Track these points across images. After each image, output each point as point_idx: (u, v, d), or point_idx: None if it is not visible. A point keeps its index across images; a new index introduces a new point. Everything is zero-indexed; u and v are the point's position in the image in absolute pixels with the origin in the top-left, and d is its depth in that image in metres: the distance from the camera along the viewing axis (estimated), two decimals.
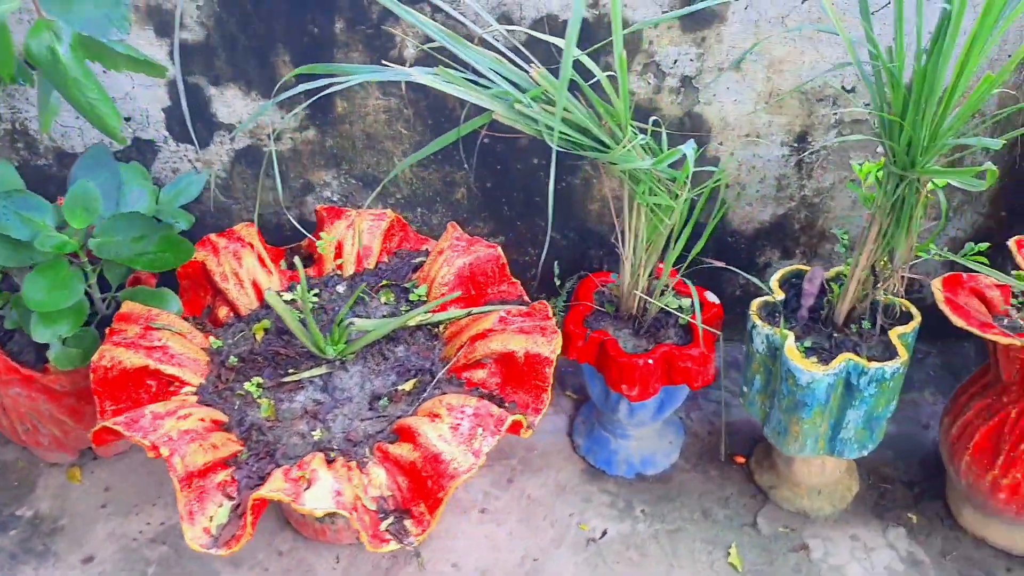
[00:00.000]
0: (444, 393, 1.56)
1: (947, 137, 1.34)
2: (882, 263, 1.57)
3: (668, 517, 1.86)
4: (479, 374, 1.59)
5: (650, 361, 1.69)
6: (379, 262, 1.83)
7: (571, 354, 1.78)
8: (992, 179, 1.32)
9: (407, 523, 1.40)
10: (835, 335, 1.66)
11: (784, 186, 1.98)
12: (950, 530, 1.82)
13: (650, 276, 1.75)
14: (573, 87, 1.38)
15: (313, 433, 1.49)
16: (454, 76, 1.32)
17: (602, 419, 1.98)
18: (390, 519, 1.39)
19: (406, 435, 1.44)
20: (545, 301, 1.68)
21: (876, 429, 1.67)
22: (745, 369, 1.77)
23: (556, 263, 2.06)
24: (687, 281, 1.75)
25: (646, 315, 1.78)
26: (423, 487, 1.40)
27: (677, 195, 1.55)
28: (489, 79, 1.40)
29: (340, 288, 1.77)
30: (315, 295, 1.75)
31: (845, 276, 1.64)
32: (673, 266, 1.85)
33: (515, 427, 1.48)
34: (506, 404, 1.57)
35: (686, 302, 1.83)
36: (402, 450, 1.43)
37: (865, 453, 1.71)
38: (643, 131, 1.51)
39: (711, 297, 1.83)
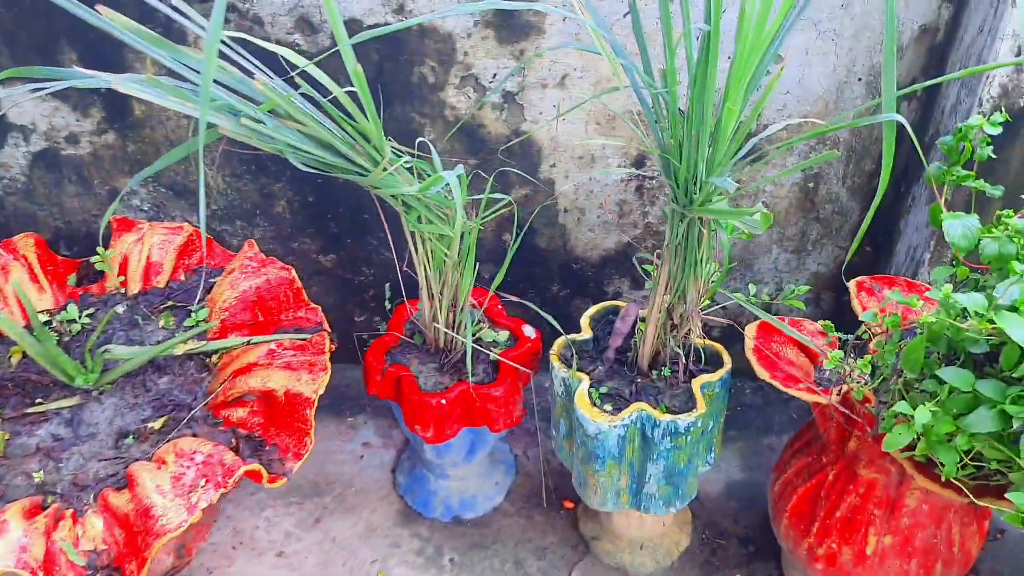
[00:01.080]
0: (195, 433, 1.42)
1: (717, 173, 1.19)
2: (678, 307, 1.42)
3: (477, 567, 1.72)
4: (239, 413, 1.46)
5: (443, 401, 1.55)
6: (172, 280, 1.70)
7: (370, 389, 1.65)
8: (767, 223, 1.17)
9: None
10: (638, 380, 1.51)
11: (626, 212, 1.84)
12: None
13: (455, 306, 1.61)
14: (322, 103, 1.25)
15: (35, 475, 1.36)
16: (165, 86, 1.18)
17: (422, 457, 1.84)
18: None
19: (131, 482, 1.31)
20: (324, 333, 1.54)
21: (681, 485, 1.52)
22: (552, 410, 1.62)
23: (388, 285, 1.93)
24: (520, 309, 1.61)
25: (455, 349, 1.64)
26: (135, 542, 1.27)
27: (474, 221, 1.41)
28: (229, 88, 1.27)
29: (120, 308, 1.64)
30: (89, 315, 1.62)
31: None
32: (496, 293, 1.71)
33: (254, 476, 1.34)
34: (266, 447, 1.44)
35: (501, 336, 1.69)
36: (121, 499, 1.30)
37: (673, 510, 1.56)
38: (412, 154, 1.37)
39: (528, 331, 1.69)
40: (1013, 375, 1.03)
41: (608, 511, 1.59)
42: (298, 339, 1.53)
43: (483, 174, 1.76)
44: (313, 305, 1.65)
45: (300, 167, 1.28)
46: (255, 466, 1.32)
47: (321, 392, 1.42)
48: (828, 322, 1.43)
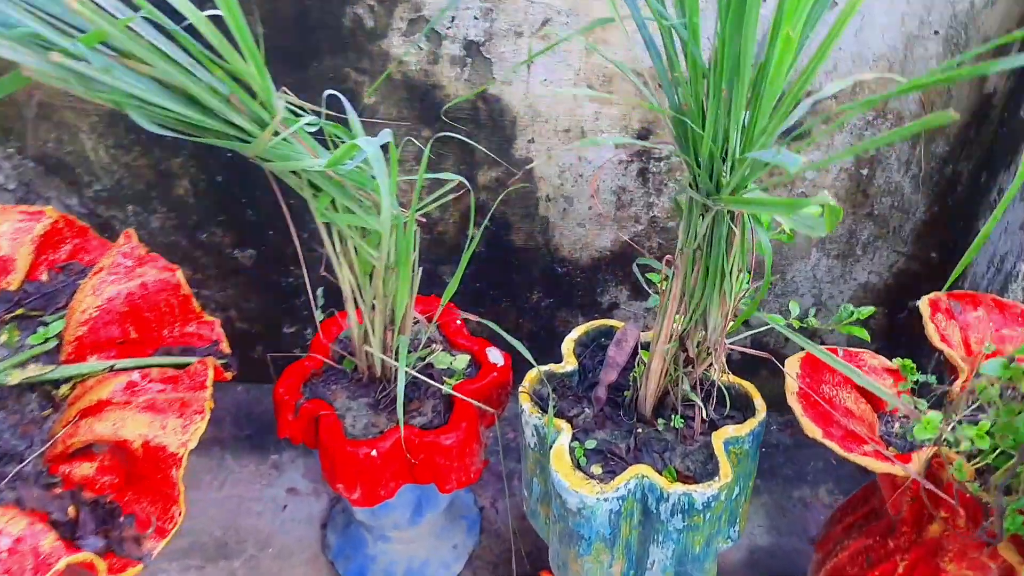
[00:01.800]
0: (18, 498, 1.02)
1: (759, 145, 0.79)
2: (697, 332, 1.02)
3: None
4: (83, 469, 1.05)
5: (373, 453, 1.15)
6: (30, 280, 1.29)
7: (281, 430, 1.24)
8: (834, 220, 0.76)
9: None
10: (638, 431, 1.11)
11: (626, 203, 1.43)
12: None
13: (395, 323, 1.20)
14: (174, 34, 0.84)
15: None
16: None
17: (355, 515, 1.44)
18: None
19: None
20: (208, 360, 1.13)
21: (698, 574, 1.12)
22: (523, 464, 1.22)
23: (321, 291, 1.52)
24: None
25: (395, 379, 1.24)
26: None
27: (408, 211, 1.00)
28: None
29: None
30: None
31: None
32: (453, 305, 1.32)
33: (88, 567, 0.94)
34: (120, 519, 1.03)
35: (460, 363, 1.29)
36: None
37: None
38: (319, 112, 0.97)
39: (494, 356, 1.29)
40: None
41: None
42: (171, 364, 1.12)
43: (445, 153, 1.36)
44: (208, 318, 1.24)
45: (152, 128, 0.88)
46: (85, 556, 0.92)
47: (192, 446, 1.02)
48: (907, 361, 1.02)
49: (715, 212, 0.87)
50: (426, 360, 1.26)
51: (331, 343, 1.32)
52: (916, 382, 1.08)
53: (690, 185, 0.87)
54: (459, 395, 1.19)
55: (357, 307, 1.16)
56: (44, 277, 1.31)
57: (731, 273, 0.91)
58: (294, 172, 0.97)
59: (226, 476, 1.57)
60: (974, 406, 1.04)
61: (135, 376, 1.08)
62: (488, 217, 1.44)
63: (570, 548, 1.09)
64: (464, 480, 1.21)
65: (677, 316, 1.00)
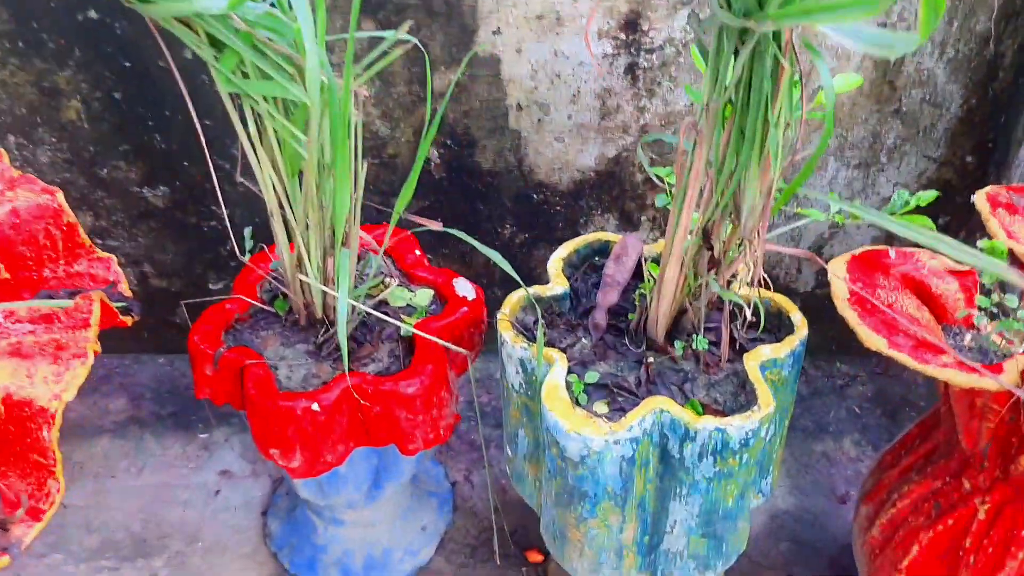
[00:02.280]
0: None
1: None
2: (723, 224, 0.79)
3: None
4: None
5: (314, 406, 0.90)
6: None
7: (199, 388, 1.00)
8: (936, 13, 0.54)
9: None
10: (649, 359, 0.88)
11: (612, 109, 1.21)
12: None
13: (331, 251, 0.96)
14: None
15: None
16: None
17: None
18: None
19: None
20: (90, 293, 0.88)
21: (728, 535, 0.90)
22: (504, 413, 0.99)
23: (250, 231, 1.27)
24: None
25: (337, 322, 1.00)
26: None
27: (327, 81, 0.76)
28: None
29: None
30: None
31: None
32: (410, 235, 1.08)
33: None
34: None
35: (422, 298, 1.05)
36: None
37: (712, 575, 0.94)
38: None
39: (462, 287, 1.05)
40: None
41: None
42: (49, 307, 0.87)
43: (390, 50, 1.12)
44: (101, 254, 0.99)
45: None
46: None
47: (69, 397, 0.77)
48: (995, 242, 0.81)
49: (756, 40, 0.64)
50: (378, 298, 1.02)
51: (258, 283, 1.07)
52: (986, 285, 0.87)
53: (720, 5, 0.65)
54: (422, 334, 0.95)
55: (287, 227, 0.92)
56: None
57: (777, 125, 0.69)
58: (184, 22, 0.72)
59: (146, 461, 1.31)
60: None
61: None
62: (447, 129, 1.20)
63: (569, 512, 0.86)
64: (432, 438, 0.97)
65: (699, 204, 0.77)
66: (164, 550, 1.20)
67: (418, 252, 1.10)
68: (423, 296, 1.05)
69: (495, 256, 0.87)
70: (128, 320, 0.95)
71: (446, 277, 1.07)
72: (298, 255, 0.94)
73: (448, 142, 1.24)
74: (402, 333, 1.01)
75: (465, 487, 1.29)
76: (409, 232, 1.13)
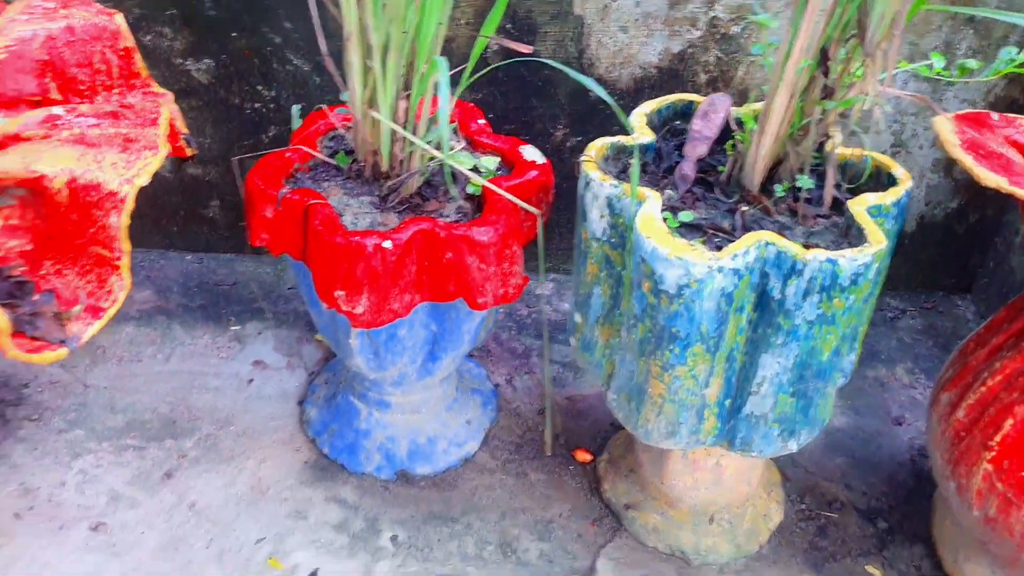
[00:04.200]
0: None
1: None
2: (838, 46, 0.75)
3: (438, 551, 1.02)
4: None
5: (386, 244, 0.85)
6: None
7: (254, 235, 0.94)
8: None
9: None
10: (743, 208, 0.84)
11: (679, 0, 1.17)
12: None
13: (405, 93, 0.91)
14: None
15: None
16: None
17: (350, 377, 1.14)
18: None
19: None
20: (158, 99, 0.83)
21: (817, 400, 0.85)
22: (576, 276, 0.94)
23: (298, 108, 1.22)
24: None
25: (407, 167, 0.95)
26: None
27: None
28: None
29: None
30: None
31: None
32: (472, 105, 1.04)
33: None
34: (33, 296, 0.72)
35: (488, 162, 1.01)
36: None
37: (793, 447, 0.89)
38: None
39: (530, 153, 1.01)
40: None
41: (670, 449, 0.90)
42: (106, 107, 0.81)
43: None
44: (157, 88, 0.93)
45: None
46: None
47: (142, 181, 0.71)
48: None
49: None
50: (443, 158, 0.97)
51: (317, 139, 1.02)
52: None
53: None
54: (493, 187, 0.91)
55: (364, 57, 0.87)
56: None
57: None
58: None
59: (173, 349, 1.25)
60: None
61: (57, 109, 0.77)
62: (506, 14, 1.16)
63: (655, 359, 0.81)
64: (502, 294, 0.92)
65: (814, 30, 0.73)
66: (194, 432, 1.13)
67: (482, 121, 1.06)
68: (490, 161, 1.01)
69: (586, 81, 0.82)
70: (189, 152, 0.89)
71: (512, 144, 1.02)
72: (370, 91, 0.89)
73: (508, 26, 1.20)
74: (469, 191, 0.96)
75: (507, 390, 1.24)
76: (472, 106, 1.09)
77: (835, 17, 0.73)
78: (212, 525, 1.02)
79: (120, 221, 0.70)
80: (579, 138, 1.31)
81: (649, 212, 0.78)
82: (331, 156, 1.00)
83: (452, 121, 1.06)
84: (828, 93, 0.78)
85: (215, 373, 1.22)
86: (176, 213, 1.37)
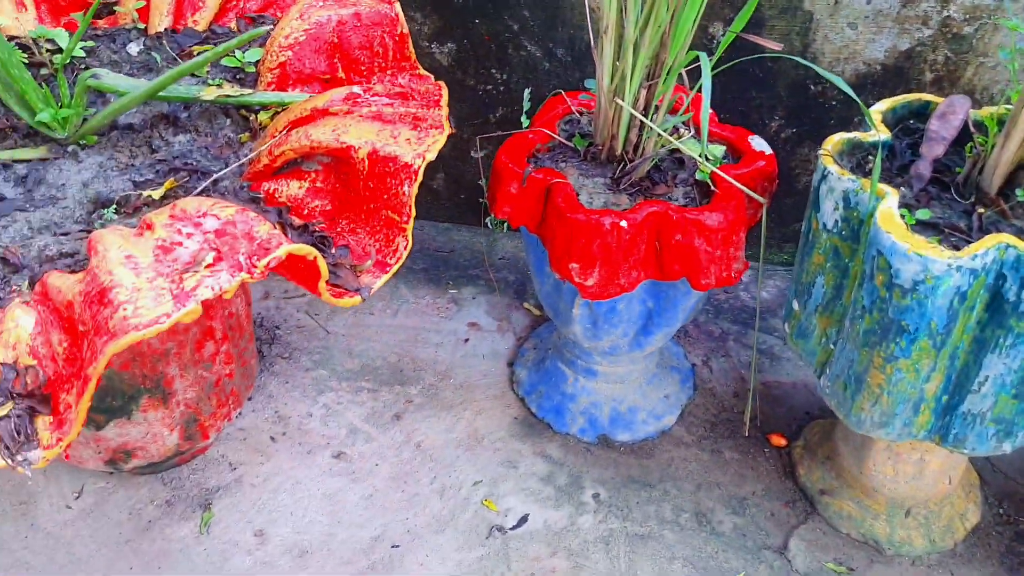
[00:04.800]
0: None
1: None
2: None
3: (636, 512, 1.09)
4: (292, 188, 0.87)
5: (623, 223, 0.93)
6: (217, 23, 1.13)
7: (498, 208, 1.04)
8: None
9: (40, 422, 0.70)
10: (980, 210, 0.85)
11: None
12: None
13: (648, 83, 0.98)
14: None
15: None
16: None
17: (559, 344, 1.23)
18: (9, 410, 0.69)
19: (91, 252, 0.74)
20: (438, 83, 0.94)
21: None
22: (799, 265, 0.98)
23: (529, 91, 1.32)
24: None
25: (638, 158, 1.02)
26: (78, 353, 0.69)
27: None
28: None
29: (133, 48, 1.08)
30: (86, 51, 1.06)
31: (1006, 115, 0.84)
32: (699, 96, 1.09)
33: (306, 274, 0.76)
34: (332, 249, 0.84)
35: (716, 151, 1.06)
36: (67, 281, 0.72)
37: (1009, 447, 0.90)
38: None
39: (758, 143, 1.05)
40: None
41: (881, 438, 0.93)
42: (397, 88, 0.93)
43: None
44: (423, 72, 1.05)
45: None
46: (308, 249, 0.73)
47: (431, 157, 0.82)
48: None
49: None
50: (673, 144, 1.03)
51: (556, 122, 1.11)
52: None
53: None
54: (723, 175, 0.96)
55: (617, 43, 0.94)
56: (233, 25, 1.15)
57: None
58: None
59: (399, 305, 1.38)
60: None
61: (356, 89, 0.89)
62: (731, 4, 1.20)
63: (878, 351, 0.85)
64: (724, 276, 0.98)
65: None
66: (419, 381, 1.26)
67: (710, 112, 1.11)
68: (717, 149, 1.06)
69: (838, 81, 0.86)
70: (451, 130, 1.00)
71: (739, 134, 1.07)
72: (617, 80, 0.97)
73: (732, 17, 1.24)
74: (697, 177, 1.02)
75: (704, 371, 1.29)
76: (699, 97, 1.14)
77: None
78: (435, 464, 1.14)
79: (411, 190, 0.80)
80: (793, 129, 1.33)
81: (889, 208, 0.82)
82: (568, 139, 1.08)
83: (686, 112, 1.11)
84: None
85: (435, 330, 1.34)
86: None
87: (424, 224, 1.54)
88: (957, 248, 0.80)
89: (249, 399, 1.21)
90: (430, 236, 1.52)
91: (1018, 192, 0.85)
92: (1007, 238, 0.78)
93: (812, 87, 1.28)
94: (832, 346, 0.95)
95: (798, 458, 1.16)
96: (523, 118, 1.31)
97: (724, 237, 0.95)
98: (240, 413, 1.19)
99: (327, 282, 0.77)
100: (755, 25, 1.24)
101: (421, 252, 1.48)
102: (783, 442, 1.19)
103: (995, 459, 1.17)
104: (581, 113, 1.12)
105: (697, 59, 0.91)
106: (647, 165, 1.01)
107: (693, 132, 1.09)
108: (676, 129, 1.07)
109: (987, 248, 0.77)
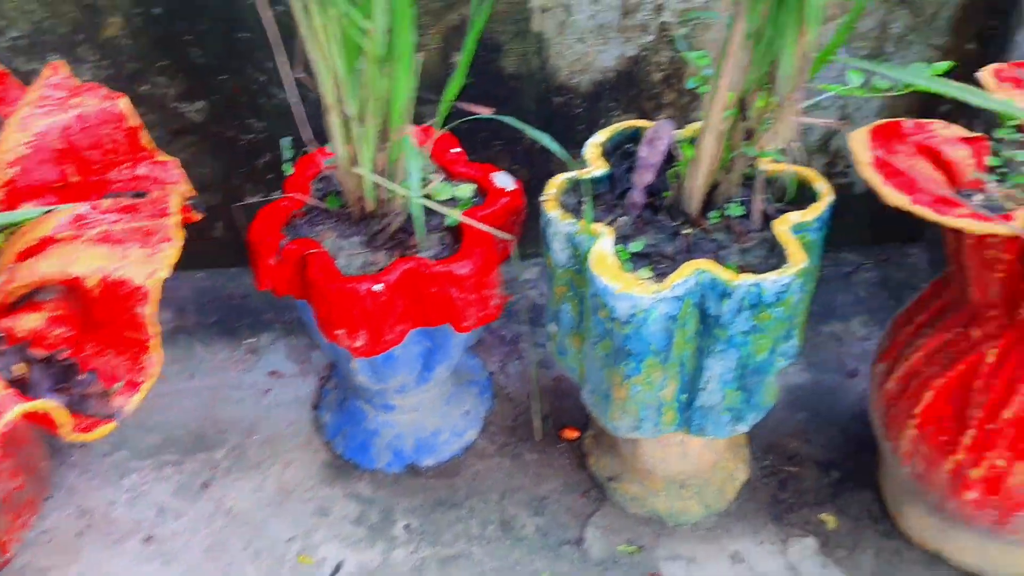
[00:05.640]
0: None
1: None
2: (759, 97, 0.86)
3: (446, 534, 1.17)
4: (30, 321, 0.86)
5: (377, 287, 0.97)
6: None
7: (261, 280, 1.06)
8: None
9: None
10: (686, 231, 0.96)
11: (632, 7, 1.26)
12: (886, 538, 1.16)
13: (382, 147, 1.02)
14: None
15: None
16: None
17: (354, 383, 1.27)
18: None
19: None
20: (165, 188, 0.95)
21: (758, 389, 0.99)
22: (548, 295, 1.06)
23: (290, 140, 1.32)
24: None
25: (391, 210, 1.06)
26: None
27: None
28: None
29: None
30: None
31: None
32: (448, 134, 1.14)
33: (44, 422, 0.77)
34: (79, 376, 0.85)
35: (464, 191, 1.12)
36: None
37: (742, 429, 1.03)
38: None
39: (502, 180, 1.12)
40: None
41: (640, 438, 1.04)
42: (124, 201, 0.93)
43: None
44: (163, 157, 1.04)
45: None
46: (44, 404, 0.74)
47: (164, 275, 0.83)
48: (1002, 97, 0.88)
49: None
50: (424, 191, 1.08)
51: (310, 182, 1.13)
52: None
53: None
54: (469, 220, 1.02)
55: (343, 120, 0.98)
56: None
57: None
58: None
59: (196, 366, 1.39)
60: None
61: (83, 208, 0.89)
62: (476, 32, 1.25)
63: (615, 371, 0.94)
64: (484, 315, 1.05)
65: (737, 76, 0.84)
66: (223, 443, 1.28)
67: (456, 149, 1.16)
68: (465, 189, 1.12)
69: (542, 137, 0.93)
70: (197, 216, 1.01)
71: (484, 172, 1.13)
72: (353, 149, 1.00)
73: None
74: (447, 223, 1.08)
75: (501, 377, 1.38)
76: (447, 134, 1.19)
77: (751, 73, 0.83)
78: (247, 527, 1.18)
79: (147, 310, 0.82)
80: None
81: (600, 249, 0.90)
82: (323, 198, 1.11)
83: (430, 151, 1.16)
84: (749, 134, 0.89)
85: (235, 386, 1.36)
86: (187, 236, 1.49)
87: (213, 274, 1.53)
88: (666, 275, 0.90)
89: (49, 498, 1.19)
90: (220, 285, 1.52)
91: (712, 215, 0.95)
92: (703, 264, 0.88)
93: (555, 98, 1.36)
94: (586, 363, 1.04)
95: (588, 449, 1.26)
96: (284, 166, 1.33)
97: (476, 282, 1.02)
98: (41, 516, 1.18)
99: (73, 416, 0.78)
100: (494, 50, 1.30)
101: (213, 304, 1.48)
102: (575, 435, 1.29)
103: None
104: (332, 171, 1.15)
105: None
106: (398, 221, 1.06)
107: (441, 173, 1.14)
108: (427, 175, 1.12)
109: (686, 276, 0.87)
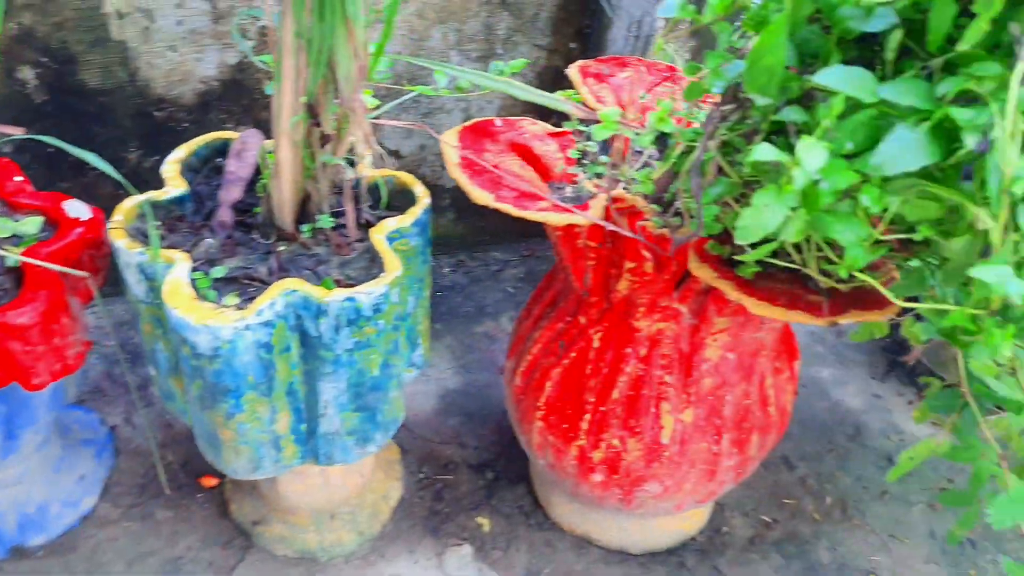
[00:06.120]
0: None
1: None
2: (326, 99, 0.81)
3: None
4: None
5: None
6: None
7: None
8: None
9: None
10: (280, 248, 0.88)
11: (225, 12, 1.16)
12: (538, 530, 1.17)
13: None
14: None
15: None
16: None
17: None
18: None
19: None
20: None
21: (380, 407, 0.94)
22: (140, 335, 0.94)
23: None
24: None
25: None
26: None
27: None
28: None
29: None
30: None
31: None
32: (7, 160, 0.97)
33: None
34: None
35: (29, 226, 0.96)
36: None
37: (373, 450, 0.98)
38: None
39: (75, 209, 0.97)
40: (947, 57, 0.56)
41: (266, 477, 0.95)
42: None
43: None
44: None
45: None
46: None
47: None
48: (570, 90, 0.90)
49: None
50: None
51: None
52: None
53: None
54: (30, 260, 0.87)
55: None
56: None
57: None
58: None
59: None
60: (640, 163, 0.96)
61: None
62: (31, 46, 1.09)
63: (216, 412, 0.85)
64: (60, 369, 0.90)
65: (300, 82, 0.78)
66: None
67: (19, 178, 1.00)
68: (31, 224, 0.96)
69: (91, 158, 0.81)
70: None
71: (54, 201, 0.98)
72: None
73: (43, 59, 1.12)
74: (9, 264, 0.91)
75: (126, 429, 1.22)
76: (5, 157, 1.02)
77: (312, 75, 0.78)
78: None
79: None
80: (156, 156, 1.27)
81: (175, 278, 0.80)
82: None
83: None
84: (326, 140, 0.83)
85: None
86: None
87: None
88: (254, 299, 0.82)
89: None
90: None
91: (304, 229, 0.89)
92: (291, 283, 0.81)
93: (156, 113, 1.22)
94: (190, 408, 0.93)
95: (229, 495, 1.15)
96: None
97: (42, 331, 0.87)
98: None
99: None
100: (68, 62, 1.14)
101: None
102: (214, 481, 1.18)
103: (412, 425, 1.28)
104: None
105: None
106: None
107: (3, 208, 0.97)
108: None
109: (272, 299, 0.79)
